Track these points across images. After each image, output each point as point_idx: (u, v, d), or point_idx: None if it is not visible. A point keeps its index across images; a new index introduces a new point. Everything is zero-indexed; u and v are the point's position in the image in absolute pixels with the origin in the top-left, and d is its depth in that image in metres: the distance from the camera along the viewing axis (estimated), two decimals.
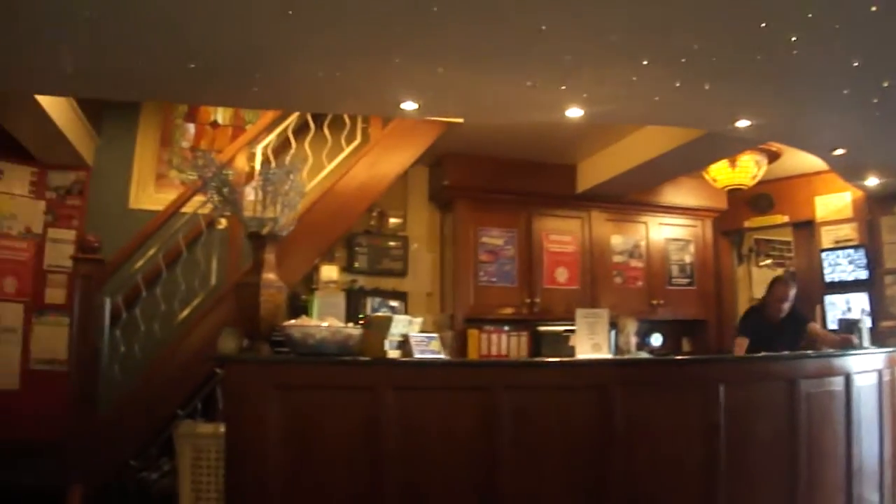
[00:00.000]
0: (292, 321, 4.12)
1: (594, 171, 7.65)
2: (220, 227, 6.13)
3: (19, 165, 6.96)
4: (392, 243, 7.58)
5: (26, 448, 6.24)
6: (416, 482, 4.05)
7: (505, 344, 7.47)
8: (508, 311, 7.57)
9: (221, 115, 7.45)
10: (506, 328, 7.53)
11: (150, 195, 7.16)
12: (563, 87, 4.86)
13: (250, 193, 4.37)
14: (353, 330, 4.08)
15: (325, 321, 4.09)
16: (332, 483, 3.94)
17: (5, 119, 6.06)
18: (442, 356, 4.30)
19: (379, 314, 4.28)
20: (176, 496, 5.36)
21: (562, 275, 7.88)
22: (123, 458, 5.39)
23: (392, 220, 7.66)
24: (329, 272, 6.51)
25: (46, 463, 5.82)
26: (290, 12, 3.78)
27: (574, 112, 5.28)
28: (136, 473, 5.41)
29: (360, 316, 6.07)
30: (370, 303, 6.96)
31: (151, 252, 6.06)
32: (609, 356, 4.82)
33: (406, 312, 6.73)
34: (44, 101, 5.65)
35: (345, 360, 4.02)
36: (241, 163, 6.01)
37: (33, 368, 6.91)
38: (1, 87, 5.34)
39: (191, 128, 7.41)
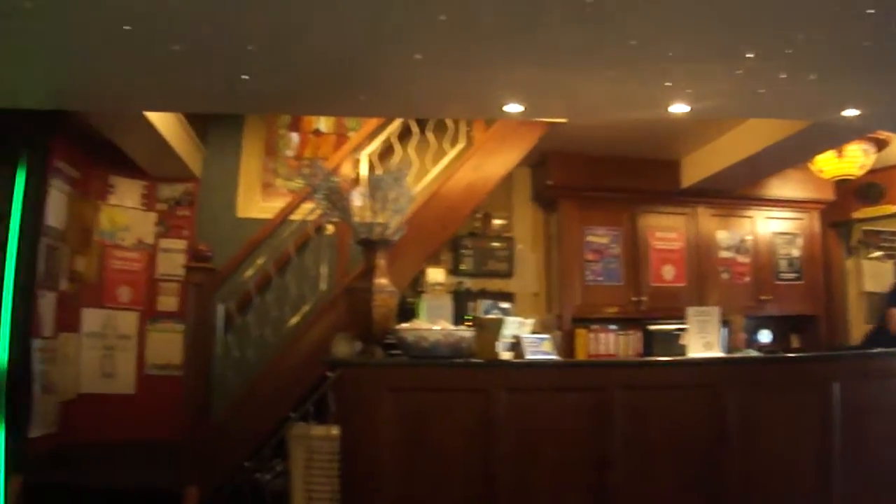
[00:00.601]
0: (405, 324, 4.16)
1: (698, 166, 7.54)
2: (328, 233, 6.22)
3: (130, 179, 7.24)
4: (497, 244, 7.58)
5: (142, 449, 6.47)
6: (529, 482, 4.06)
7: (613, 343, 7.41)
8: (615, 310, 7.50)
9: (324, 123, 7.57)
10: (612, 327, 7.46)
11: (256, 204, 7.34)
12: (668, 84, 4.80)
13: (358, 199, 4.42)
14: (466, 332, 4.10)
15: (437, 324, 4.12)
16: (445, 483, 3.98)
17: (117, 137, 6.31)
18: (554, 357, 4.30)
19: (490, 316, 4.30)
20: (288, 497, 5.46)
21: (668, 272, 7.78)
22: (237, 459, 5.50)
23: (496, 222, 7.66)
24: (435, 275, 6.55)
25: (162, 464, 6.01)
26: (393, 22, 3.83)
27: (678, 108, 5.22)
28: (250, 475, 5.51)
29: (467, 318, 6.10)
30: (479, 305, 6.97)
31: (261, 259, 6.17)
32: (721, 355, 4.75)
33: (512, 314, 6.73)
34: (153, 117, 5.85)
35: (458, 363, 4.05)
36: (346, 170, 6.10)
37: (148, 373, 7.17)
38: (114, 110, 5.57)
39: (294, 137, 7.56)
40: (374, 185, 4.20)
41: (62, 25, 3.88)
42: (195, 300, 5.50)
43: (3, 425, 5.57)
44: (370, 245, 4.17)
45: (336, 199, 4.23)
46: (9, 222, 5.75)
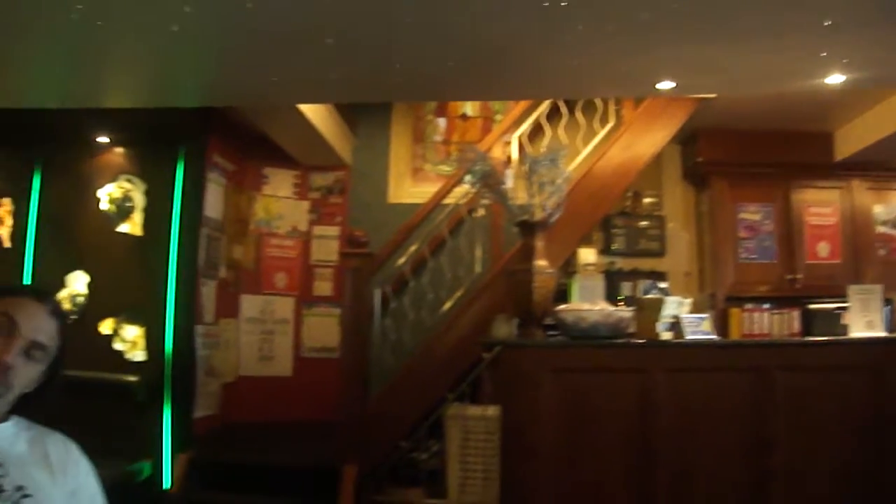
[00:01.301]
0: (564, 305, 4.19)
1: (852, 138, 7.24)
2: (478, 215, 6.28)
3: (283, 170, 7.48)
4: (648, 223, 7.49)
5: (299, 429, 6.71)
6: (687, 460, 4.05)
7: (767, 322, 7.22)
8: (768, 288, 7.31)
9: (470, 107, 7.64)
10: (766, 306, 7.27)
11: (407, 189, 7.48)
12: (823, 55, 4.67)
13: (510, 181, 4.47)
14: (625, 312, 4.11)
15: (597, 304, 4.14)
16: (604, 461, 4.01)
17: (270, 129, 6.55)
18: (713, 337, 4.27)
19: (650, 296, 4.29)
20: (443, 475, 5.57)
21: (823, 249, 7.51)
22: (394, 439, 5.61)
23: (647, 200, 7.56)
24: (587, 255, 6.52)
25: (319, 442, 6.21)
26: (546, 4, 3.83)
27: (834, 79, 5.05)
28: (406, 454, 5.61)
29: (620, 298, 6.07)
30: (635, 285, 6.89)
31: (415, 243, 6.27)
32: (884, 334, 4.62)
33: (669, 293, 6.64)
34: (305, 109, 6.04)
35: (618, 343, 4.06)
36: (497, 152, 6.13)
37: (304, 356, 7.43)
38: (267, 104, 5.78)
39: (441, 122, 7.66)
40: (531, 167, 4.23)
41: (219, 27, 4.05)
42: (352, 285, 5.61)
43: (171, 406, 5.87)
44: (528, 227, 4.21)
45: (492, 182, 4.28)
46: (171, 215, 6.05)
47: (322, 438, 6.21)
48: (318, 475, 5.58)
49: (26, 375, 1.87)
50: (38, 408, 1.96)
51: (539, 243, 4.21)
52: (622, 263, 7.25)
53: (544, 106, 6.58)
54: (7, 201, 6.35)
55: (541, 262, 4.17)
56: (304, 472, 5.70)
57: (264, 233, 7.42)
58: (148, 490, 5.61)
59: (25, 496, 1.79)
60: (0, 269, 6.17)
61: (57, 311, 1.94)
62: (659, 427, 4.03)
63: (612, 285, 6.67)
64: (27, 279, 6.12)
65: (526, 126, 6.55)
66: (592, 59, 4.55)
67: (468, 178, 4.42)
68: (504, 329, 4.34)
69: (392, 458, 5.63)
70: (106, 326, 5.94)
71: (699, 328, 4.22)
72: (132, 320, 5.97)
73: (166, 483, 5.72)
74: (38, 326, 1.88)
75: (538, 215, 4.20)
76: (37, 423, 1.99)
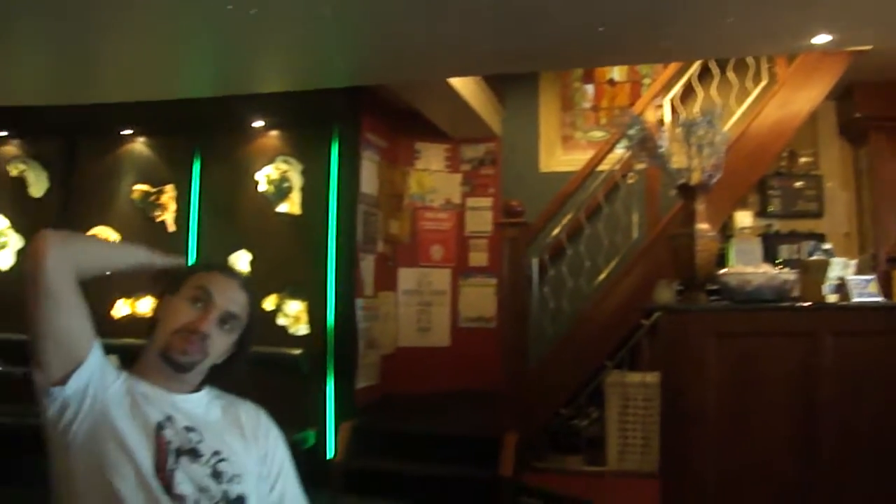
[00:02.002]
0: (727, 269, 4.10)
1: None
2: (631, 181, 6.20)
3: (434, 144, 7.58)
4: (804, 183, 7.20)
5: (458, 398, 6.83)
6: (853, 427, 3.90)
7: None
8: None
9: (618, 72, 7.53)
10: None
11: (558, 158, 7.43)
12: None
13: (664, 144, 4.37)
14: (789, 275, 3.98)
15: (760, 268, 4.03)
16: (767, 426, 3.90)
17: (421, 104, 6.63)
18: (881, 299, 4.09)
19: (815, 258, 4.14)
20: (603, 443, 5.57)
21: None
22: (554, 406, 5.64)
23: (802, 160, 7.27)
24: (743, 218, 6.34)
25: (478, 411, 6.31)
26: None
27: None
28: (566, 421, 5.64)
29: (778, 261, 5.89)
30: (795, 248, 6.68)
31: (570, 211, 6.23)
32: None
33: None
34: (455, 83, 6.07)
35: (784, 307, 3.95)
36: (649, 116, 6.03)
37: (461, 326, 7.53)
38: (423, 77, 5.85)
39: (589, 88, 7.57)
40: (687, 129, 4.13)
41: (370, 5, 4.14)
42: (509, 254, 5.63)
43: (334, 378, 6.06)
44: (688, 190, 4.12)
45: (649, 146, 4.21)
46: (328, 193, 6.22)
47: (481, 407, 6.30)
48: (479, 443, 5.65)
49: (220, 345, 1.99)
50: (224, 379, 2.08)
51: (700, 206, 4.11)
52: (779, 226, 7.00)
53: (695, 67, 6.41)
54: (170, 188, 6.68)
55: (702, 226, 4.07)
56: (464, 440, 5.78)
57: (418, 206, 7.54)
58: (313, 458, 5.81)
59: (221, 460, 1.89)
60: (167, 252, 6.46)
61: (245, 284, 2.06)
62: (824, 392, 3.90)
63: (770, 248, 6.46)
64: (194, 260, 6.42)
65: (677, 88, 6.40)
66: (747, 15, 4.42)
67: (624, 142, 4.35)
68: (666, 294, 4.27)
69: (552, 425, 5.67)
70: (269, 302, 6.16)
71: (866, 290, 4.04)
72: (294, 296, 6.17)
73: (330, 451, 5.92)
74: (232, 298, 2.00)
75: (697, 178, 4.11)
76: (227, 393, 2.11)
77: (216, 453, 1.90)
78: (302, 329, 6.20)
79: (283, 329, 6.13)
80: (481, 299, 7.46)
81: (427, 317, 7.48)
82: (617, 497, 4.84)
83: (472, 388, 6.88)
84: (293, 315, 6.22)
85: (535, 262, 5.93)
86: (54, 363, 1.80)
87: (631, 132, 4.26)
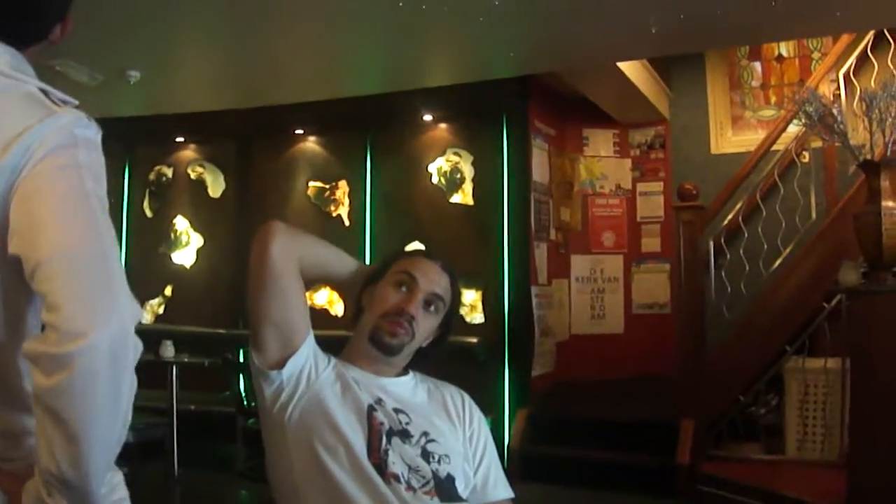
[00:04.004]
0: None
1: None
2: (804, 160, 5.91)
3: (602, 129, 7.48)
4: None
5: (632, 385, 6.73)
6: None
7: None
8: None
9: (785, 47, 7.17)
10: None
11: (728, 139, 7.19)
12: None
13: (842, 120, 4.13)
14: None
15: None
16: None
17: (588, 90, 6.57)
18: None
19: None
20: (782, 430, 5.37)
21: None
22: (731, 393, 5.47)
23: None
24: None
25: (653, 398, 6.20)
26: None
27: None
28: (744, 409, 5.46)
29: None
30: None
31: (744, 193, 5.99)
32: None
33: None
34: (623, 66, 5.97)
35: None
36: (824, 91, 5.72)
37: (635, 313, 7.41)
38: (590, 62, 5.81)
39: (757, 66, 7.25)
40: (868, 103, 3.89)
41: None
42: (685, 238, 5.52)
43: (510, 365, 6.06)
44: (871, 166, 3.88)
45: (828, 123, 3.99)
46: (500, 183, 6.22)
47: (657, 394, 6.20)
48: (655, 430, 5.58)
49: (426, 327, 2.02)
50: (424, 363, 2.12)
51: (885, 183, 3.86)
52: None
53: (869, 37, 6.03)
54: (343, 183, 6.86)
55: (889, 203, 3.83)
56: (639, 427, 5.72)
57: (589, 193, 7.46)
58: None
59: (430, 441, 1.92)
60: (344, 246, 6.61)
61: (447, 266, 2.09)
62: None
63: None
64: (369, 254, 6.56)
65: (851, 61, 6.04)
66: None
67: (801, 120, 4.13)
68: (851, 276, 4.03)
69: (730, 412, 5.50)
70: None
71: None
72: (469, 285, 6.22)
73: (506, 438, 5.95)
74: (435, 280, 2.02)
75: (880, 153, 3.86)
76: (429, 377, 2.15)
77: (425, 434, 1.92)
78: (477, 317, 6.27)
79: (460, 318, 6.18)
80: (655, 285, 7.31)
81: (600, 304, 7.39)
82: (797, 486, 4.64)
83: (646, 375, 6.75)
84: (469, 304, 6.30)
85: (710, 246, 5.76)
86: (273, 347, 1.88)
87: (807, 108, 4.05)
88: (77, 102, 1.31)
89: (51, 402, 1.10)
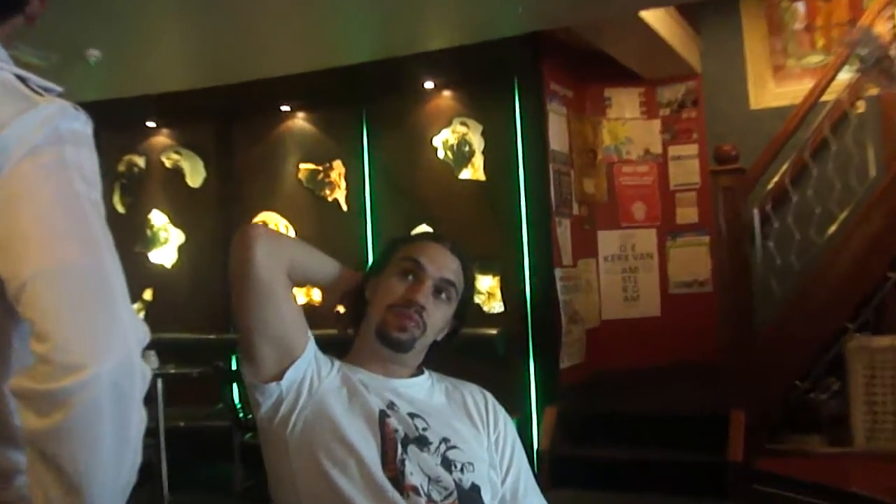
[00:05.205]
0: None
1: None
2: (858, 111, 5.84)
3: (626, 88, 7.42)
4: None
5: (672, 373, 6.70)
6: None
7: None
8: None
9: None
10: None
11: (770, 91, 7.09)
12: None
13: None
14: None
15: None
16: None
17: (609, 45, 6.51)
18: None
19: None
20: (847, 419, 5.31)
21: None
22: (786, 379, 5.40)
23: None
24: None
25: (696, 387, 6.18)
26: None
27: None
28: (802, 395, 5.40)
29: None
30: None
31: (791, 151, 5.91)
32: None
33: None
34: (646, 16, 5.90)
35: None
36: (881, 30, 5.64)
37: (672, 292, 7.37)
38: (609, 14, 5.76)
39: (800, 6, 7.13)
40: None
41: None
42: (725, 206, 5.46)
43: (535, 358, 6.02)
44: None
45: (885, 66, 3.93)
46: (514, 154, 6.16)
47: (701, 382, 6.17)
48: (701, 423, 5.55)
49: (438, 318, 1.99)
50: (436, 361, 2.10)
51: None
52: None
53: None
54: (338, 164, 6.82)
55: None
56: (683, 421, 5.68)
57: (615, 161, 7.41)
58: None
59: (451, 447, 1.90)
60: (343, 233, 6.65)
61: (457, 249, 2.07)
62: None
63: None
64: (371, 240, 6.54)
65: None
66: None
67: (853, 65, 4.06)
68: None
69: (786, 400, 5.45)
70: None
71: None
72: (485, 270, 6.19)
73: (534, 440, 5.93)
74: (444, 264, 2.00)
75: None
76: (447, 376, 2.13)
77: (445, 440, 1.90)
78: (496, 306, 6.24)
79: (477, 307, 6.15)
80: (693, 260, 7.25)
81: (633, 284, 7.36)
82: (869, 483, 4.59)
83: (688, 361, 6.71)
84: (486, 291, 6.28)
85: (755, 214, 5.66)
86: (269, 361, 1.86)
87: (860, 52, 3.98)
88: (61, 89, 1.24)
89: (45, 446, 1.05)
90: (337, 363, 1.96)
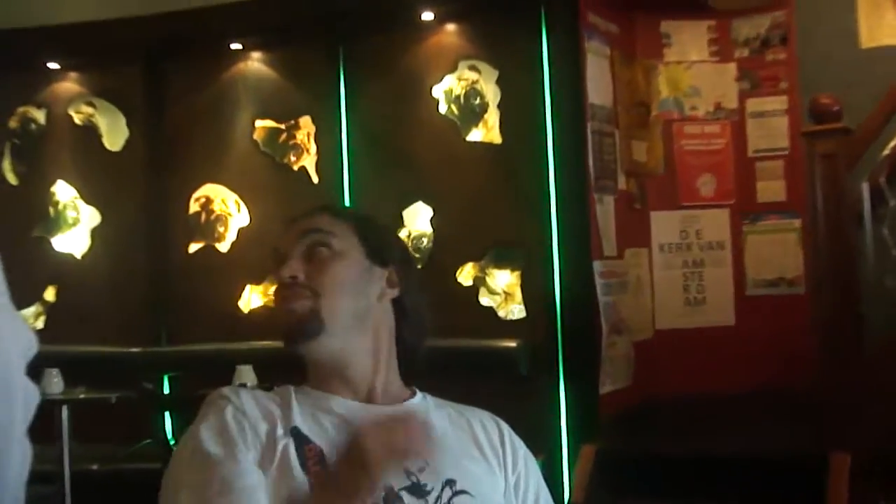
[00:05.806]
0: None
1: None
2: None
3: (690, 21, 7.28)
4: None
5: (750, 401, 6.57)
6: None
7: None
8: None
9: None
10: None
11: (889, 24, 7.06)
12: None
13: None
14: None
15: None
16: None
17: None
18: None
19: None
20: None
21: None
22: None
23: None
24: None
25: (784, 421, 6.06)
26: None
27: None
28: None
29: None
30: None
31: None
32: None
33: None
34: None
35: None
36: None
37: (750, 294, 7.23)
38: None
39: None
40: None
41: None
42: (824, 179, 5.41)
43: (567, 380, 5.95)
44: None
45: None
46: (541, 109, 6.08)
47: (790, 415, 6.06)
48: (789, 469, 5.44)
49: (329, 273, 1.96)
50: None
51: None
52: None
53: None
54: (306, 120, 6.78)
55: None
56: (766, 465, 5.58)
57: (674, 118, 7.27)
58: None
59: (458, 492, 1.87)
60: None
61: (336, 210, 2.15)
62: None
63: None
64: None
65: None
66: None
67: None
68: None
69: None
70: (465, 275, 6.16)
71: None
72: (502, 263, 6.20)
73: (565, 487, 5.86)
74: (302, 227, 2.03)
75: None
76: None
77: (449, 484, 1.86)
78: (516, 311, 6.26)
79: (489, 312, 6.19)
80: (779, 252, 7.14)
81: (698, 283, 7.24)
82: None
83: (771, 386, 6.65)
84: (502, 291, 6.27)
85: (865, 189, 5.60)
86: None
87: None
88: None
89: None
90: (287, 391, 1.95)
